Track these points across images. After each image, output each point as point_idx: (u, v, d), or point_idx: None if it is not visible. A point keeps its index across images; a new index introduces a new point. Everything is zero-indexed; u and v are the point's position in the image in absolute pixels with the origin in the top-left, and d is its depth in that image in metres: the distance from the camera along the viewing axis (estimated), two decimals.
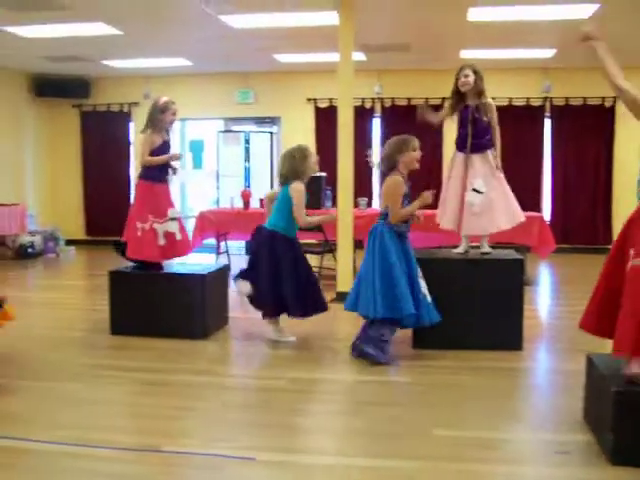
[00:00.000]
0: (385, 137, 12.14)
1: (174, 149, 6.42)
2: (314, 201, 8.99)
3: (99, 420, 4.11)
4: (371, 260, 5.18)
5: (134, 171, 12.89)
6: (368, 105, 12.14)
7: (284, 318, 5.87)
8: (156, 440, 3.77)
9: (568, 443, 3.68)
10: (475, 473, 3.40)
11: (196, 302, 5.98)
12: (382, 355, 5.18)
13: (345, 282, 7.47)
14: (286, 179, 5.66)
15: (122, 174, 13.18)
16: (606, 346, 3.82)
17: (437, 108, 11.87)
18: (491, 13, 7.94)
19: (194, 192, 13.43)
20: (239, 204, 9.61)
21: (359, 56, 9.76)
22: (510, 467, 3.46)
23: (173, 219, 6.17)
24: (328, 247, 8.40)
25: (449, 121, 6.00)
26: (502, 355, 5.38)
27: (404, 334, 5.58)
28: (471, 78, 5.64)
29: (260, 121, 12.99)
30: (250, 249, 6.34)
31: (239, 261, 9.67)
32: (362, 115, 11.51)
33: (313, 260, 8.62)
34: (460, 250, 5.88)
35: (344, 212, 7.51)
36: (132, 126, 13.04)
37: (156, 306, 6.02)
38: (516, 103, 11.68)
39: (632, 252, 3.51)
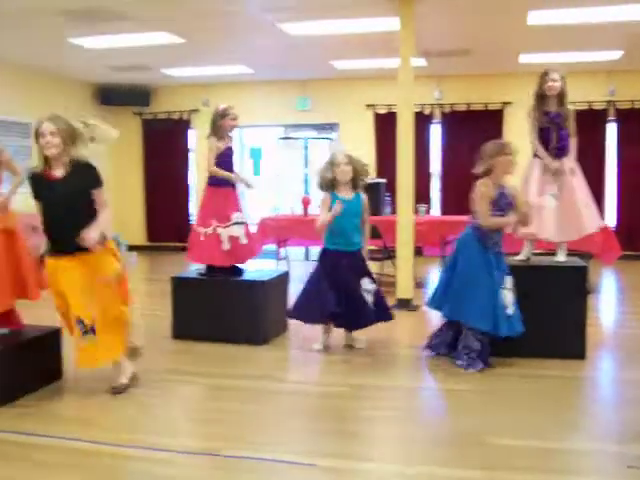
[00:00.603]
0: (444, 143, 12.09)
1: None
2: (373, 208, 8.99)
3: (161, 423, 4.18)
4: (453, 264, 5.27)
5: (194, 178, 13.08)
6: (427, 111, 12.08)
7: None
8: (216, 444, 3.81)
9: (636, 457, 3.58)
10: None
11: (256, 308, 6.03)
12: (472, 364, 5.19)
13: (405, 289, 7.44)
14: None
15: (182, 181, 13.39)
16: None
17: (496, 113, 11.87)
18: (551, 16, 7.82)
19: (254, 198, 13.53)
20: (299, 210, 9.66)
21: (419, 62, 9.72)
22: (572, 478, 3.39)
23: (238, 223, 6.21)
24: (387, 254, 8.37)
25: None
26: (564, 364, 5.29)
27: None
28: (559, 83, 5.58)
29: (319, 128, 13.05)
30: None
31: (299, 267, 9.74)
32: (421, 121, 11.45)
33: (373, 267, 8.62)
34: (522, 257, 5.81)
35: (404, 219, 7.47)
36: (191, 133, 13.23)
37: (217, 311, 6.08)
38: (578, 107, 11.45)
39: None
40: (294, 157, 12.46)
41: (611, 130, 11.61)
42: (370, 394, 4.75)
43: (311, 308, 5.68)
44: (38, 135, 4.36)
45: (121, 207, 13.58)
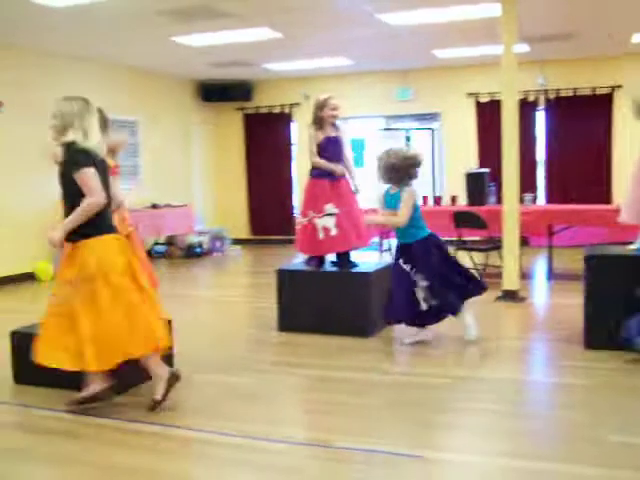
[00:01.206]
0: (549, 130, 11.77)
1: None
2: (477, 197, 8.86)
3: (269, 414, 4.23)
4: None
5: (296, 171, 13.20)
6: (531, 98, 11.79)
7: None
8: (322, 435, 3.84)
9: None
10: None
11: (361, 300, 6.03)
12: None
13: (511, 280, 7.29)
14: None
15: (285, 174, 13.54)
16: None
17: (604, 98, 11.49)
18: None
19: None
20: None
21: (522, 47, 9.49)
22: None
23: (329, 214, 6.25)
24: (493, 244, 8.22)
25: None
26: None
27: (574, 334, 5.36)
28: None
29: (420, 118, 12.94)
30: None
31: None
32: (525, 108, 11.15)
33: (479, 257, 8.50)
34: (634, 246, 5.59)
35: (509, 208, 7.31)
36: (294, 126, 13.35)
37: (322, 304, 6.12)
38: None
39: None
40: None
41: None
42: (476, 386, 4.68)
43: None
44: None
45: (225, 202, 13.88)
